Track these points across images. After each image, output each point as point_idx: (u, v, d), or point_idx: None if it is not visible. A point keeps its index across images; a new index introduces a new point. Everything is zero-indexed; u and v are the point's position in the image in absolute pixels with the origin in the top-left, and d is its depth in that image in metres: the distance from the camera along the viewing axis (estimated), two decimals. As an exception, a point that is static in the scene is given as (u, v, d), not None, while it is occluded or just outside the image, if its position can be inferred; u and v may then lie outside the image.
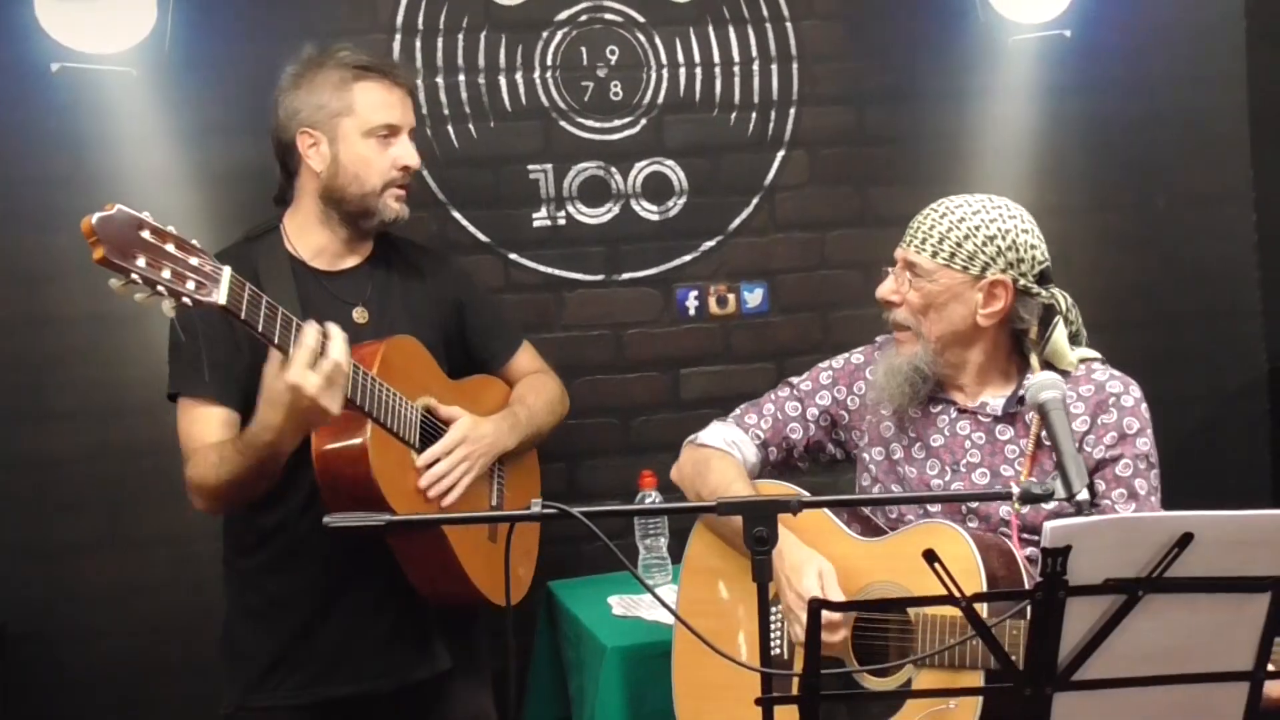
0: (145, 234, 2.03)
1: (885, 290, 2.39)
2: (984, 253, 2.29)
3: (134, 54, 3.07)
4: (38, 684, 3.16)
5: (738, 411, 2.60)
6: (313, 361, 2.22)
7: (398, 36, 3.31)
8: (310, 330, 2.24)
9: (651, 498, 3.15)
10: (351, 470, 2.41)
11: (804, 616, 2.21)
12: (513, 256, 3.41)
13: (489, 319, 2.89)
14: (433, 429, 2.59)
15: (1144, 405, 2.32)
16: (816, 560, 2.28)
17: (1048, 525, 1.57)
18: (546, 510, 1.84)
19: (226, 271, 2.14)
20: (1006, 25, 3.55)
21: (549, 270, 3.44)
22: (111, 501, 3.21)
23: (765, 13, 3.51)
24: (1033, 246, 2.33)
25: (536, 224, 3.42)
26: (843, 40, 3.55)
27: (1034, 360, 2.36)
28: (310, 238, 2.66)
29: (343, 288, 2.65)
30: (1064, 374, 2.34)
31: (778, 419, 2.55)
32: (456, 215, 3.37)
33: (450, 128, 3.36)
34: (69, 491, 3.18)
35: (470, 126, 3.37)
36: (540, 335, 3.40)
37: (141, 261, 2.01)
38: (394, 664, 2.63)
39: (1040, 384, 2.09)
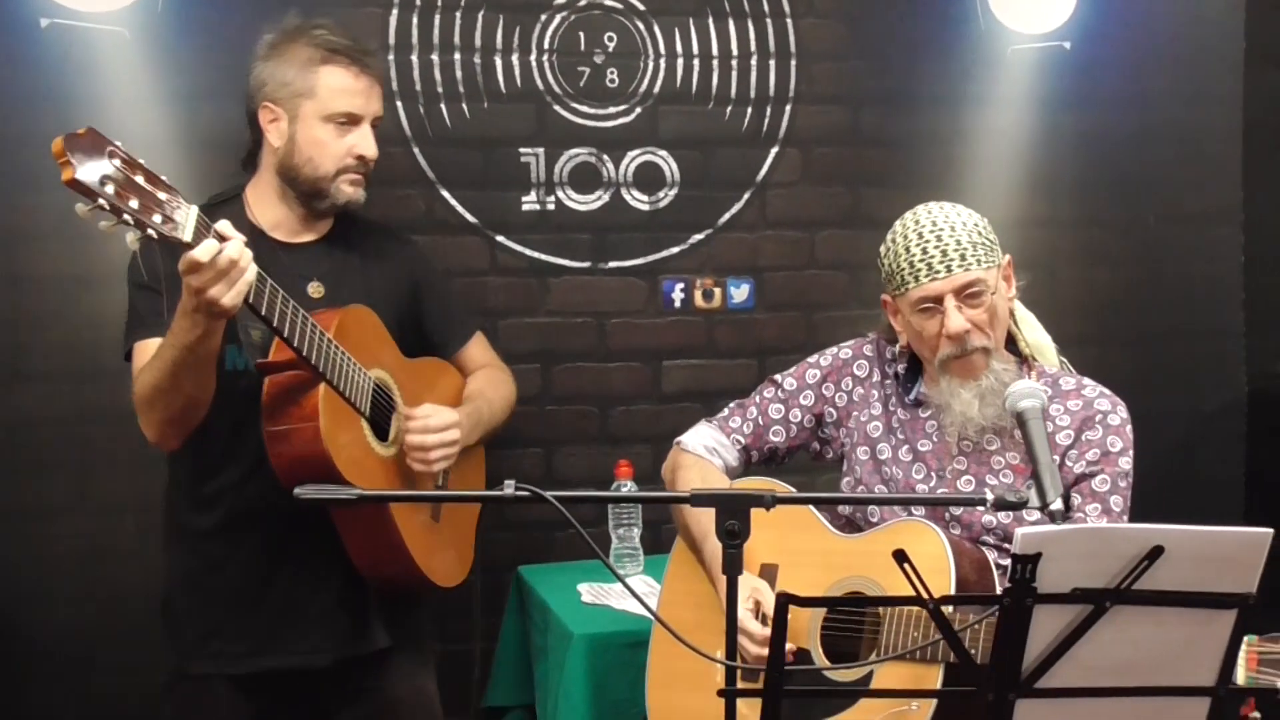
0: (115, 161, 2.03)
1: (960, 325, 2.27)
2: (991, 240, 2.32)
3: (126, 13, 3.06)
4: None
5: (725, 412, 2.60)
6: (214, 252, 2.17)
7: (394, 11, 3.30)
8: (215, 228, 2.21)
9: (627, 487, 3.15)
10: (300, 429, 2.41)
11: (742, 639, 2.22)
12: (499, 239, 3.41)
13: (445, 305, 2.90)
14: (386, 402, 2.59)
15: (1129, 426, 2.33)
16: (748, 584, 2.30)
17: (1019, 531, 1.58)
18: (520, 492, 1.85)
19: (194, 210, 2.14)
20: (1007, 34, 3.56)
21: (535, 255, 3.43)
22: (82, 465, 3.19)
23: (766, 8, 3.51)
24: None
25: (525, 208, 3.42)
26: (842, 40, 3.56)
27: (1032, 338, 2.39)
28: (269, 209, 2.66)
29: (300, 261, 2.65)
30: (1054, 385, 2.34)
31: (759, 423, 2.55)
32: (445, 194, 3.37)
33: (443, 106, 3.35)
34: (39, 453, 3.17)
35: (464, 106, 3.37)
36: (523, 320, 3.42)
37: (110, 189, 2.01)
38: (333, 638, 2.63)
39: (1020, 392, 2.10)
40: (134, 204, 2.04)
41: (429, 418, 2.60)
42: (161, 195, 2.08)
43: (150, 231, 2.06)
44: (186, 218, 2.12)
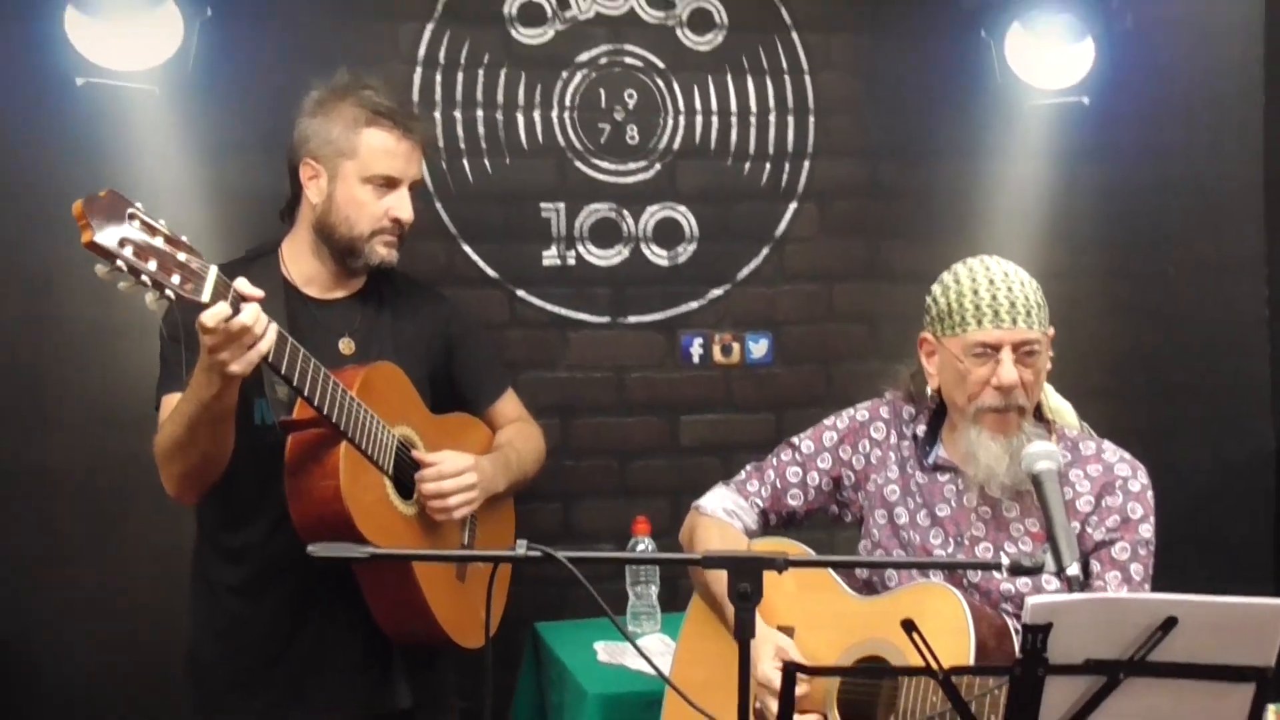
0: (135, 223, 2.04)
1: (1014, 377, 2.25)
2: (1045, 304, 2.30)
3: (158, 72, 3.11)
4: (14, 692, 3.14)
5: (742, 475, 2.58)
6: (226, 317, 2.18)
7: (418, 69, 3.34)
8: (234, 287, 2.20)
9: (644, 544, 3.14)
10: (321, 486, 2.41)
11: (767, 698, 2.21)
12: (520, 293, 3.42)
13: (478, 360, 2.89)
14: (410, 460, 2.59)
15: (1150, 492, 2.30)
16: (773, 640, 2.28)
17: (1029, 600, 1.56)
18: (531, 553, 1.84)
19: (213, 270, 2.15)
20: (1025, 89, 3.56)
21: (555, 309, 3.45)
22: (104, 513, 3.20)
23: (784, 64, 3.53)
24: None
25: (546, 262, 3.44)
26: (859, 94, 3.58)
27: (1056, 405, 2.36)
28: (304, 264, 2.67)
29: (332, 317, 2.66)
30: (1073, 449, 2.33)
31: (777, 486, 2.53)
32: (466, 249, 3.39)
33: (465, 161, 3.38)
34: (61, 501, 3.18)
35: (485, 161, 3.39)
36: (542, 374, 3.42)
37: (128, 250, 2.02)
38: (356, 695, 2.62)
39: (1036, 454, 2.08)
40: (152, 265, 2.05)
41: (443, 463, 2.59)
42: (181, 256, 2.10)
43: (168, 293, 2.08)
44: (206, 279, 2.13)
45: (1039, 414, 2.37)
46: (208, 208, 3.17)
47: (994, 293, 2.28)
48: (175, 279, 2.08)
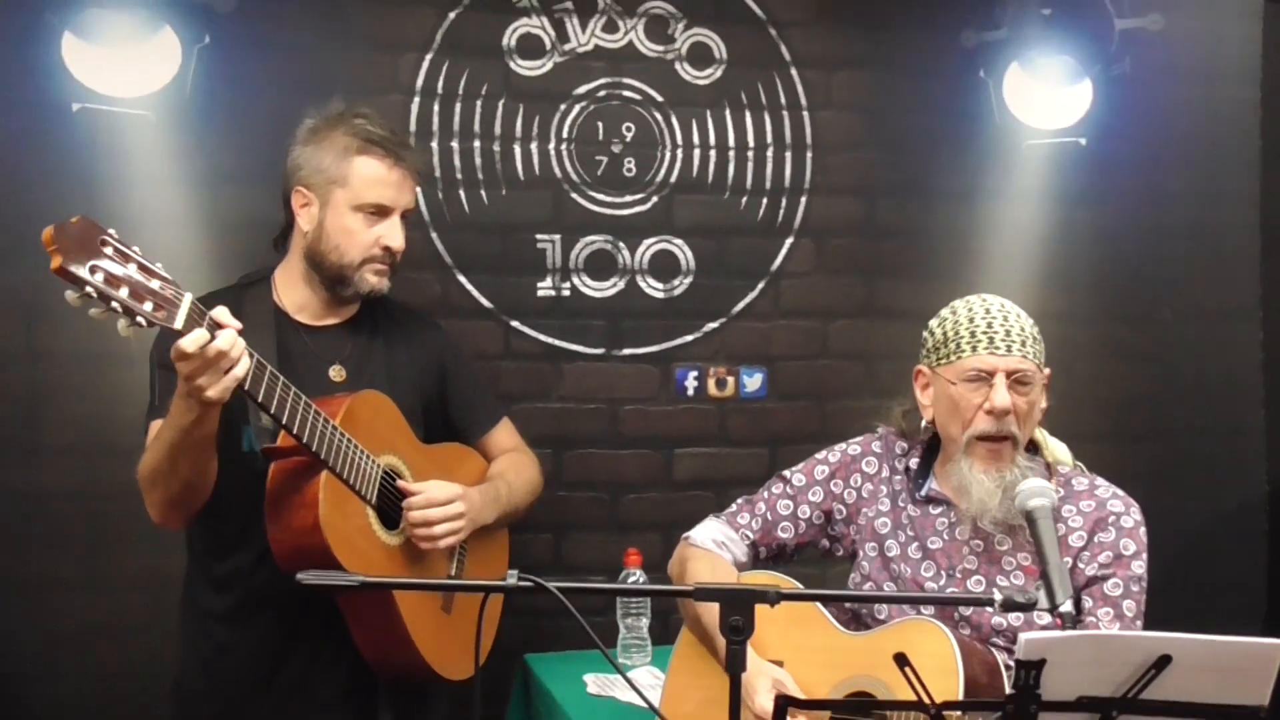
0: (107, 250, 2.05)
1: (1006, 402, 2.28)
2: (1042, 344, 2.34)
3: (154, 99, 3.11)
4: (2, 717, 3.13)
5: (733, 507, 2.58)
6: (204, 342, 2.17)
7: (416, 99, 3.35)
8: (210, 315, 2.21)
9: (635, 576, 3.13)
10: (300, 515, 2.40)
11: None
12: (514, 324, 3.43)
13: (471, 389, 2.89)
14: (393, 491, 2.58)
15: (1143, 529, 2.31)
16: (769, 673, 2.27)
17: (1023, 637, 1.55)
18: (523, 583, 1.83)
19: (187, 298, 2.15)
20: (1022, 129, 3.58)
21: (550, 340, 3.45)
22: (93, 541, 3.19)
23: (783, 100, 3.55)
24: None
25: (540, 293, 3.44)
26: (858, 132, 3.59)
27: (1051, 444, 2.39)
28: (295, 292, 2.67)
29: (323, 344, 2.66)
30: (1066, 485, 2.33)
31: (767, 519, 2.53)
32: (461, 279, 3.39)
33: (462, 192, 3.39)
34: (52, 528, 3.17)
35: (481, 192, 3.40)
36: (536, 405, 3.42)
37: (99, 277, 2.02)
38: None
39: (1030, 490, 2.09)
40: (123, 293, 2.05)
41: (429, 492, 2.58)
42: (155, 284, 2.10)
43: (140, 320, 2.07)
44: (180, 306, 2.13)
45: (1033, 449, 2.38)
46: (203, 235, 3.18)
47: (990, 321, 2.32)
48: (147, 306, 2.08)
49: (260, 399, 2.29)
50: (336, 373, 2.64)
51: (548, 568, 3.38)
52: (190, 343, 2.14)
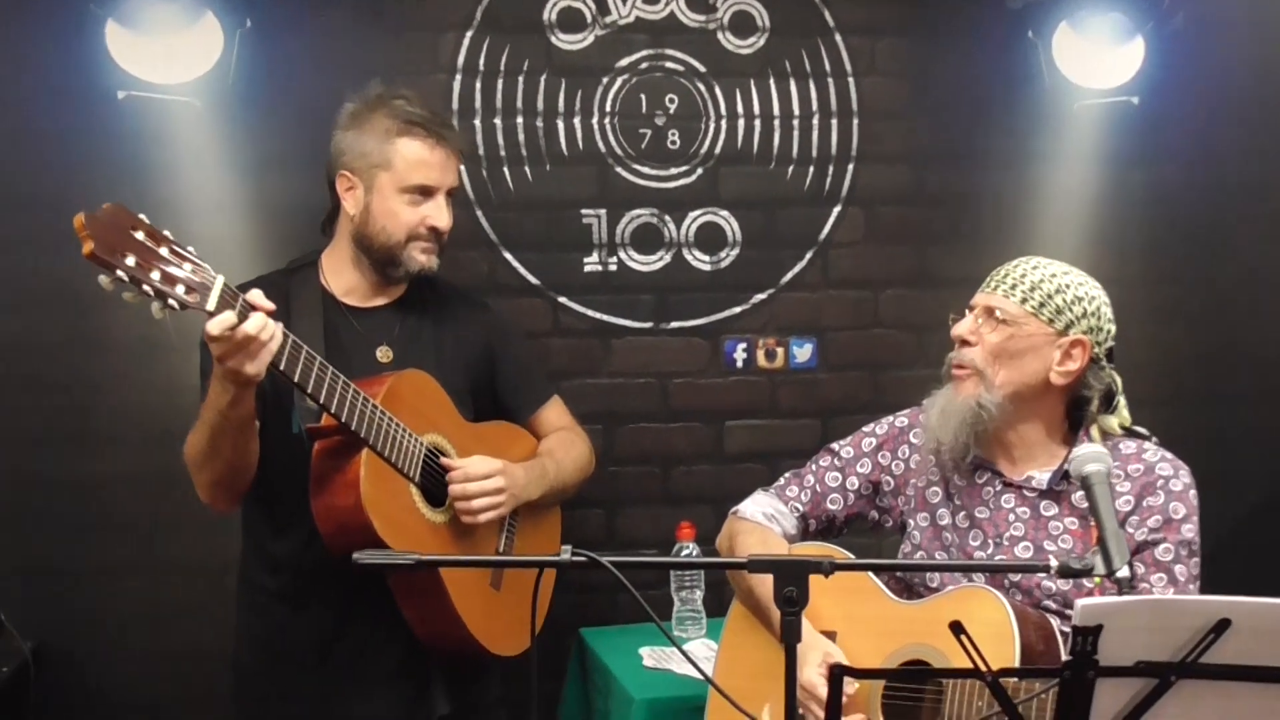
0: (139, 234, 2.10)
1: (963, 329, 2.39)
2: (1070, 310, 2.34)
3: (198, 85, 3.15)
4: (66, 705, 3.21)
5: (781, 481, 2.61)
6: (231, 325, 2.21)
7: (458, 77, 3.38)
8: (243, 298, 2.25)
9: (689, 549, 3.16)
10: (343, 495, 2.44)
11: (811, 704, 2.23)
12: (562, 300, 3.46)
13: (520, 368, 2.92)
14: (438, 469, 2.61)
15: (1193, 492, 2.31)
16: (820, 646, 2.30)
17: (1079, 603, 1.56)
18: (576, 558, 1.86)
19: (219, 280, 2.19)
20: (1073, 90, 3.55)
21: (598, 316, 3.48)
22: (150, 527, 3.27)
23: (828, 68, 3.54)
24: (1111, 321, 2.40)
25: (587, 269, 3.47)
26: (904, 98, 3.58)
27: (1094, 431, 2.37)
28: (343, 275, 2.72)
29: (370, 326, 2.70)
30: (1113, 449, 2.34)
31: (817, 491, 2.56)
32: (507, 256, 3.42)
33: (506, 170, 3.42)
34: (108, 514, 3.25)
35: (526, 169, 3.43)
36: (585, 381, 3.45)
37: (131, 260, 2.07)
38: (394, 703, 2.65)
39: (1085, 456, 2.08)
40: (155, 276, 2.10)
41: (469, 466, 2.61)
42: (186, 267, 2.15)
43: (172, 303, 2.12)
44: (212, 289, 2.17)
45: (1081, 417, 2.38)
46: (250, 220, 3.23)
47: (1002, 266, 2.41)
48: (179, 290, 2.13)
49: (297, 379, 2.33)
50: (384, 354, 2.68)
51: (601, 543, 3.42)
52: (216, 325, 2.19)
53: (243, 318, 2.21)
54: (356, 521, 2.42)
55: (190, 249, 2.17)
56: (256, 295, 2.26)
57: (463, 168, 3.33)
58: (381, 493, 2.46)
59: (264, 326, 2.24)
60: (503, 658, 2.70)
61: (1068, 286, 2.36)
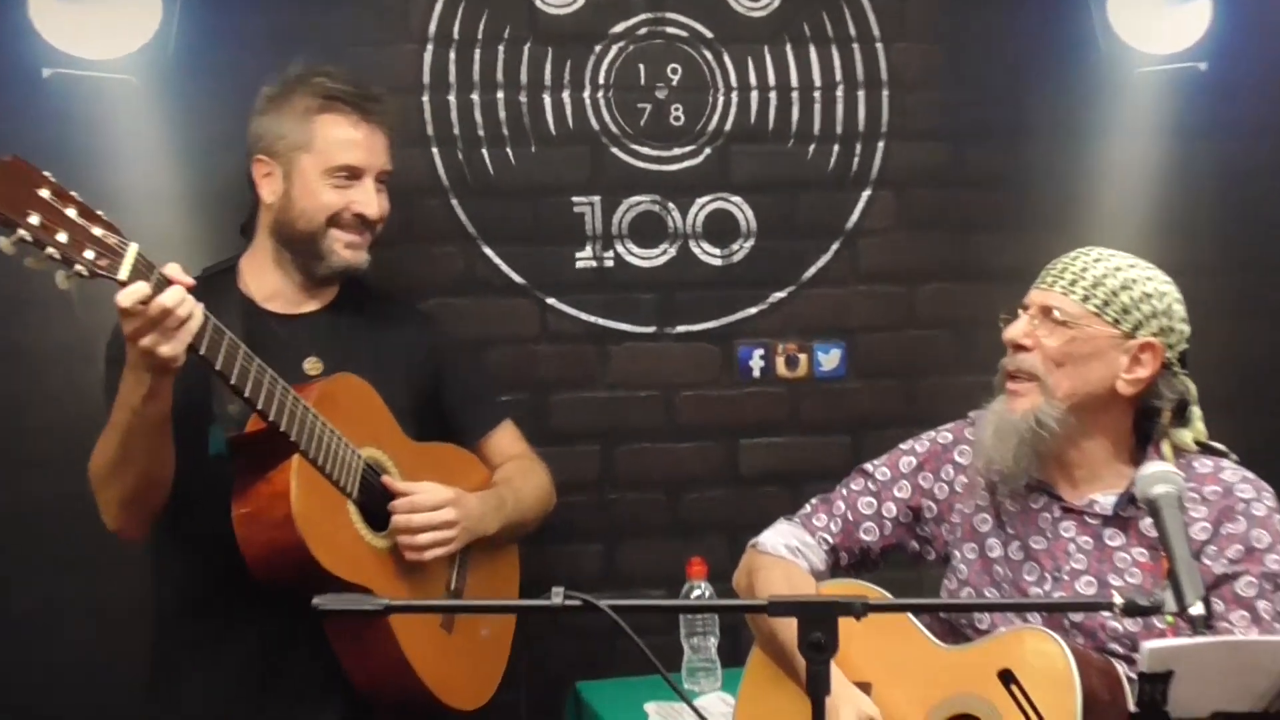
0: (44, 192, 2.13)
1: (1016, 332, 2.39)
2: (1139, 310, 2.35)
3: (135, 60, 3.16)
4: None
5: (807, 508, 2.62)
6: (145, 297, 2.23)
7: (429, 47, 3.39)
8: (159, 270, 2.27)
9: (700, 589, 3.16)
10: (270, 509, 2.44)
11: None
12: (550, 301, 3.46)
13: (469, 387, 2.94)
14: (379, 488, 2.61)
15: (1278, 516, 2.32)
16: (855, 702, 2.30)
17: (1145, 645, 1.58)
18: (570, 601, 1.86)
19: (133, 248, 2.21)
20: (1132, 55, 3.56)
21: (592, 319, 3.48)
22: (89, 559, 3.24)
23: (852, 31, 3.55)
24: (1184, 320, 2.42)
25: (580, 265, 3.48)
26: (941, 66, 3.59)
27: (1165, 448, 2.38)
28: (265, 279, 2.75)
29: (297, 334, 2.73)
30: (1187, 467, 2.34)
31: (848, 520, 2.56)
32: (487, 251, 3.43)
33: (485, 151, 3.42)
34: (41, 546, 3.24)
35: (508, 151, 3.44)
36: (579, 394, 3.46)
37: (35, 219, 2.10)
38: None
39: (1152, 475, 2.09)
40: (62, 238, 2.12)
41: (417, 495, 2.62)
42: (97, 230, 2.17)
43: (79, 268, 2.14)
44: (125, 255, 2.19)
45: (1150, 431, 2.39)
46: (196, 211, 3.23)
47: (1059, 260, 2.41)
48: (89, 254, 2.15)
49: (219, 367, 2.34)
50: (312, 365, 2.71)
51: (598, 583, 3.42)
52: (128, 296, 2.21)
53: (159, 290, 2.23)
54: (287, 540, 2.42)
55: (101, 211, 2.20)
56: (174, 269, 2.28)
57: (436, 150, 3.36)
58: (315, 507, 2.47)
59: (182, 301, 2.26)
60: (453, 712, 2.69)
61: (1135, 282, 2.36)
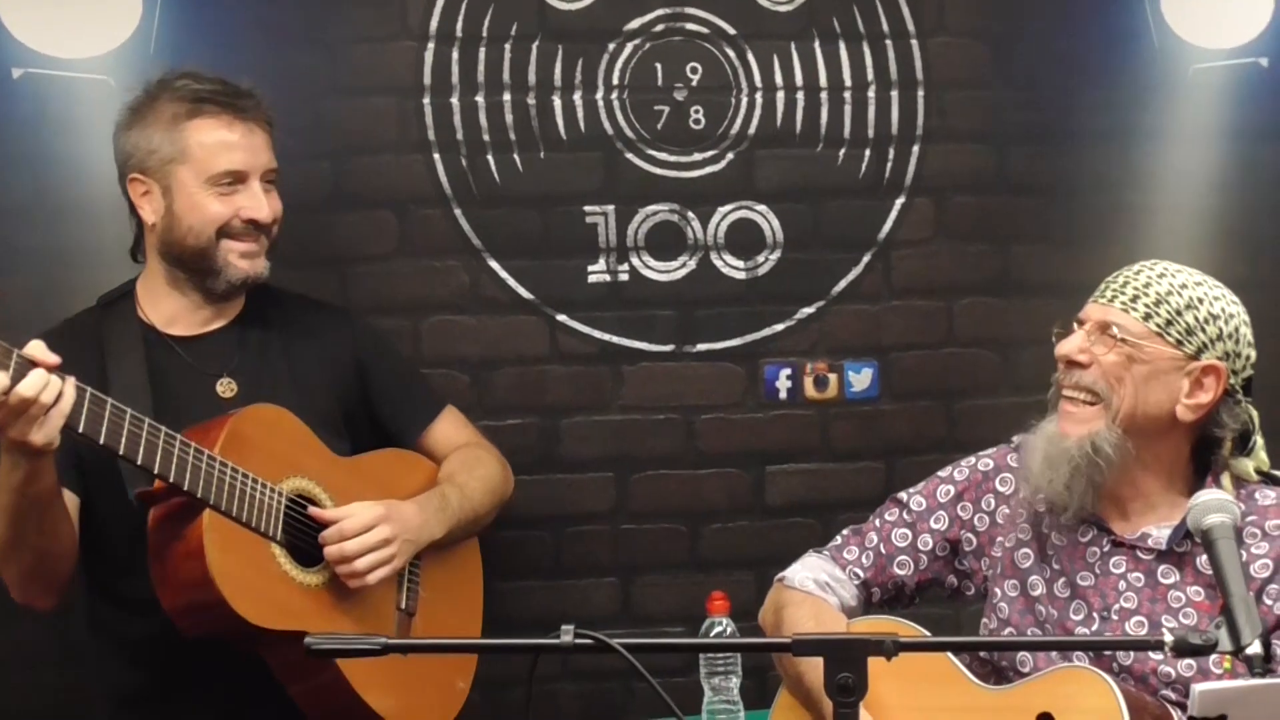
0: None
1: (1071, 347, 2.41)
2: (1204, 331, 2.37)
3: (112, 59, 3.19)
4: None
5: (838, 540, 2.63)
6: (3, 389, 2.22)
7: (430, 45, 3.40)
8: (18, 353, 2.27)
9: (721, 626, 3.15)
10: (187, 569, 2.47)
11: None
12: (561, 318, 3.48)
13: (399, 381, 2.97)
14: (306, 521, 2.64)
15: None
16: None
17: (1197, 689, 1.59)
18: (580, 640, 1.88)
19: None
20: (1187, 51, 3.57)
21: (605, 337, 3.50)
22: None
23: (885, 27, 3.56)
24: (1250, 344, 2.43)
25: (592, 279, 3.49)
26: (981, 64, 3.60)
27: (1225, 480, 2.39)
28: (162, 302, 2.78)
29: (204, 356, 2.75)
30: (1248, 499, 2.36)
31: (881, 553, 2.58)
32: (493, 265, 3.45)
33: (491, 157, 3.44)
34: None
35: (515, 157, 3.46)
36: (591, 417, 3.47)
37: None
38: None
39: (1206, 505, 2.09)
40: None
41: (343, 522, 2.64)
42: None
43: None
44: None
45: (1208, 461, 2.40)
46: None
47: (1119, 273, 2.43)
48: None
49: (103, 441, 2.35)
50: (225, 387, 2.74)
51: (613, 619, 3.43)
52: None
53: (18, 377, 2.23)
54: (207, 599, 2.46)
55: None
56: (36, 348, 2.28)
57: (437, 156, 3.38)
58: (234, 560, 2.50)
59: (44, 386, 2.26)
60: None
61: (1200, 301, 2.38)
